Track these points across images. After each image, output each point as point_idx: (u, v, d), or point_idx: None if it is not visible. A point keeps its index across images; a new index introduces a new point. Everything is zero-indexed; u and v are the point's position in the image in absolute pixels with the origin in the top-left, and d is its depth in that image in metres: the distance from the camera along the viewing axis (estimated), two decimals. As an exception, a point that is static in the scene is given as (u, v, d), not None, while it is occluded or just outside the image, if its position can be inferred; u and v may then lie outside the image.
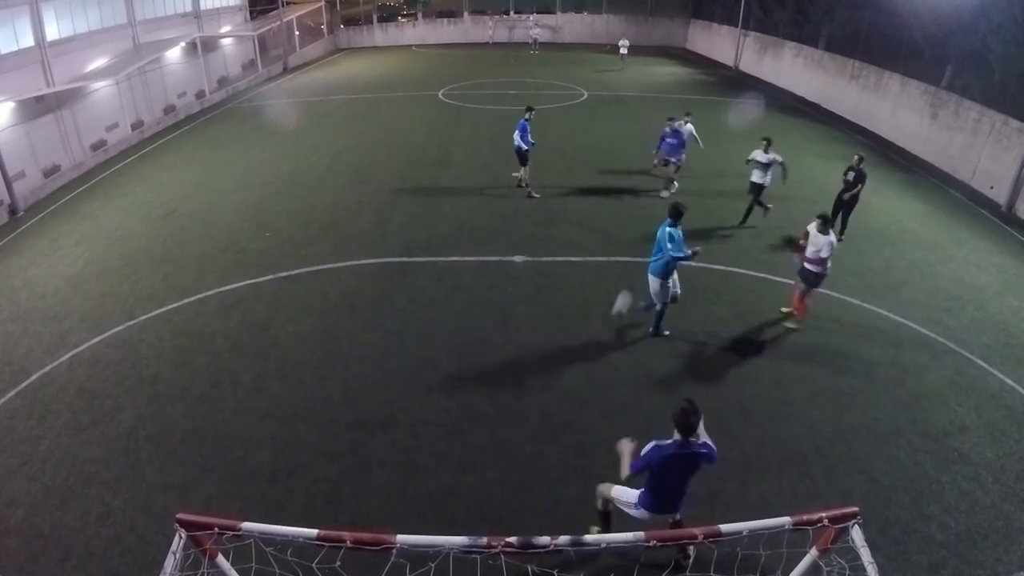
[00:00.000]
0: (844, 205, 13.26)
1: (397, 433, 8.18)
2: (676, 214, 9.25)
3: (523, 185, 16.13)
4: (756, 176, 13.67)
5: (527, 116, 15.65)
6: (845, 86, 24.73)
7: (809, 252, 9.89)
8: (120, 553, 6.51)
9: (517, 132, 15.50)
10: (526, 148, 15.54)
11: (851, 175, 13.03)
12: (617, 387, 9.00)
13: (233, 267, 12.46)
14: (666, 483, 5.60)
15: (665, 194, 15.76)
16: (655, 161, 17.18)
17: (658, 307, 9.86)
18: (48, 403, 8.82)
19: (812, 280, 10.03)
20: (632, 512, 5.85)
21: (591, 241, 13.32)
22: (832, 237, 9.73)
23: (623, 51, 35.58)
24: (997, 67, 17.83)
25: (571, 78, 31.10)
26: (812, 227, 9.90)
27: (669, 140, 15.70)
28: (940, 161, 18.81)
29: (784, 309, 10.70)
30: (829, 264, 9.84)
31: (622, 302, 9.70)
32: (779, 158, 13.36)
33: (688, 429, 5.26)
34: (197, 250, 13.25)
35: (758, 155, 13.47)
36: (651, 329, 10.11)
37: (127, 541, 6.65)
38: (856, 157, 13.21)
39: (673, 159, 15.83)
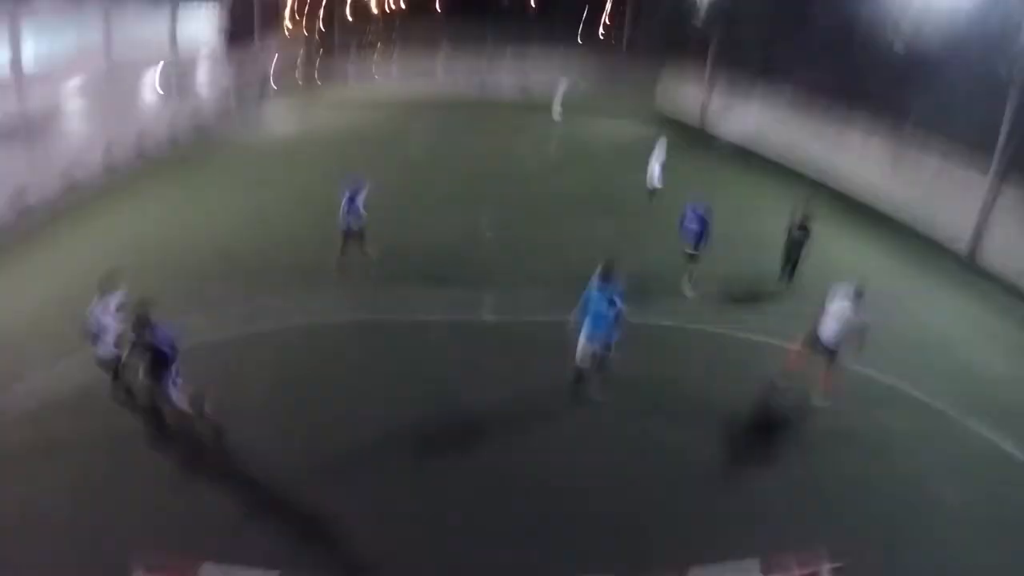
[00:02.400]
0: (793, 255, 13.43)
1: (361, 486, 7.99)
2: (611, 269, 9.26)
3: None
4: None
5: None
6: (808, 141, 25.19)
7: (832, 323, 9.28)
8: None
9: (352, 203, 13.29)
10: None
11: (798, 234, 13.20)
12: (585, 442, 8.91)
13: (198, 308, 11.87)
14: None
15: (690, 293, 13.38)
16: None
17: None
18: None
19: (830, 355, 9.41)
20: None
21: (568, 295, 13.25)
22: (864, 312, 9.10)
23: (558, 111, 32.18)
24: (956, 120, 18.49)
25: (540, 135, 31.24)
26: (839, 298, 9.32)
27: (688, 225, 13.12)
28: (901, 212, 19.29)
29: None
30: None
31: None
32: None
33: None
34: (162, 289, 12.65)
35: None
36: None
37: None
38: (801, 208, 13.39)
39: (691, 248, 13.23)
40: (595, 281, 9.20)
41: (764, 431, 9.26)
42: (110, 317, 8.65)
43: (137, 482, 7.86)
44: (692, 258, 13.27)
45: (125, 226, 16.58)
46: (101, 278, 8.91)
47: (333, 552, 7.01)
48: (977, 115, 16.91)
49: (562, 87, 32.75)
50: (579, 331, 9.28)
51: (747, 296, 13.53)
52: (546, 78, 40.37)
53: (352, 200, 13.26)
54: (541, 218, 18.29)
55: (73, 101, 20.69)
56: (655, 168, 18.60)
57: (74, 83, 20.98)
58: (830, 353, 9.36)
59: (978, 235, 16.09)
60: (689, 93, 36.57)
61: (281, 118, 32.72)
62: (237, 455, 8.35)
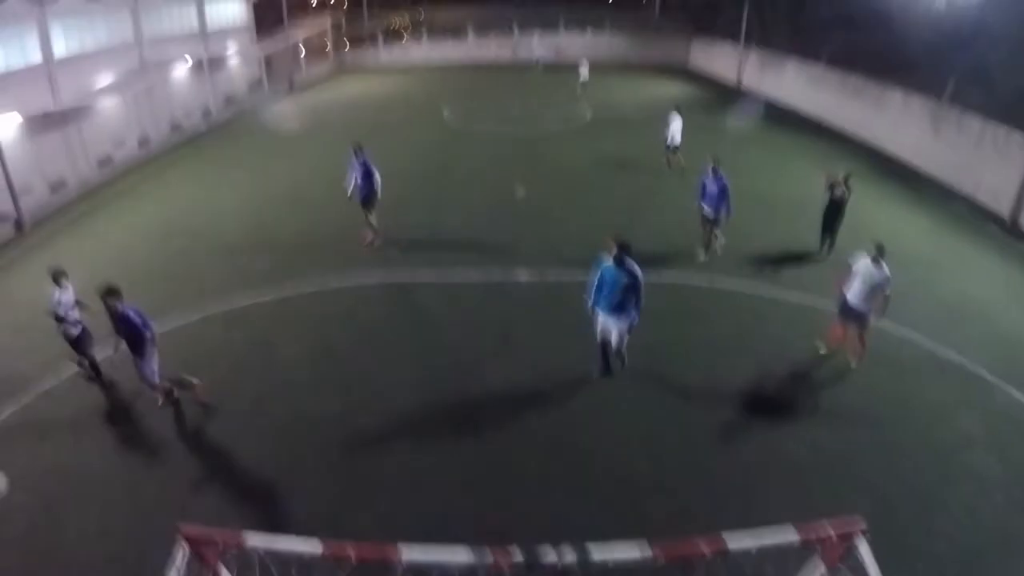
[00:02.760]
0: (832, 221, 13.08)
1: (398, 451, 8.15)
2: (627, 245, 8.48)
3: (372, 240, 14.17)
4: None
5: (362, 158, 13.47)
6: (847, 102, 24.81)
7: (859, 287, 9.13)
8: (120, 570, 6.47)
9: (360, 173, 13.42)
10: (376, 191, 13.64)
11: (840, 192, 12.79)
12: (618, 405, 8.95)
13: (236, 285, 12.45)
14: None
15: (704, 258, 13.37)
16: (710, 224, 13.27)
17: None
18: (48, 419, 8.80)
19: (861, 319, 9.34)
20: None
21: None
22: (887, 270, 8.97)
23: (583, 75, 31.81)
24: (998, 80, 17.87)
25: (572, 97, 31.16)
26: (863, 260, 9.19)
27: (709, 188, 12.76)
28: (943, 175, 18.80)
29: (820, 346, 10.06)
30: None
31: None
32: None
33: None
34: (200, 268, 13.31)
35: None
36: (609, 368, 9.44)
37: (127, 557, 6.61)
38: (842, 174, 12.97)
39: (710, 214, 12.92)
40: (607, 260, 8.58)
41: (798, 395, 9.17)
42: (73, 306, 9.33)
43: (175, 450, 8.18)
44: (711, 223, 13.09)
45: (160, 208, 17.05)
46: (53, 273, 9.14)
47: (369, 515, 7.16)
48: (1022, 76, 16.31)
49: (585, 66, 32.51)
50: (595, 311, 8.90)
51: (784, 258, 13.48)
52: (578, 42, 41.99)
53: (368, 171, 13.40)
54: (572, 180, 18.75)
55: (107, 92, 21.16)
56: (674, 132, 18.66)
57: (107, 75, 21.49)
58: (859, 316, 9.28)
59: (1021, 199, 15.59)
60: (725, 52, 36.28)
61: (312, 100, 33.01)
62: (275, 420, 8.61)
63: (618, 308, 8.60)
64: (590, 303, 8.90)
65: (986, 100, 17.83)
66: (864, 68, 23.99)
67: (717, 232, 13.33)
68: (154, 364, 8.63)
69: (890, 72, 22.27)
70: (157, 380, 8.73)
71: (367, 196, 13.61)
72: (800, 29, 29.38)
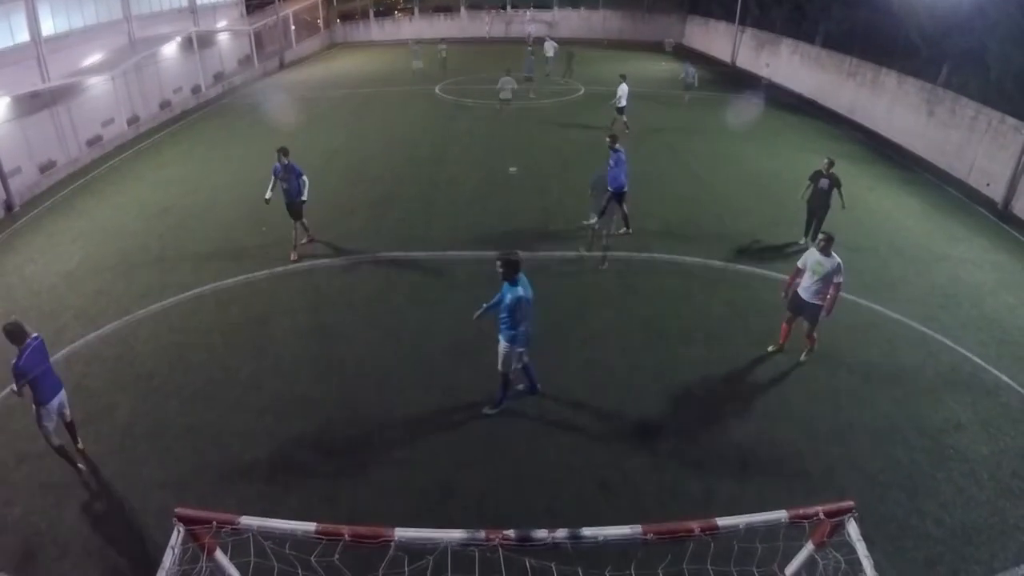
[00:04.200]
0: (818, 211, 12.66)
1: (394, 430, 8.18)
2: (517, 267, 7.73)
3: (305, 241, 13.04)
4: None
5: (285, 161, 12.03)
6: (842, 83, 24.77)
7: (810, 281, 8.87)
8: (118, 550, 6.51)
9: (284, 181, 12.04)
10: (304, 199, 12.32)
11: (824, 183, 12.40)
12: (612, 386, 9.01)
13: (229, 263, 12.43)
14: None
15: (588, 221, 13.34)
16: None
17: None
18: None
19: (813, 313, 9.07)
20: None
21: (588, 238, 13.28)
22: (838, 259, 8.69)
23: (550, 52, 30.74)
24: (994, 65, 17.87)
25: (564, 72, 30.91)
26: (810, 252, 8.96)
27: (611, 165, 12.87)
28: (936, 158, 18.86)
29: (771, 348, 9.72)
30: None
31: None
32: None
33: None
34: (193, 246, 13.23)
35: None
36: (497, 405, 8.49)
37: (125, 537, 6.65)
38: (826, 161, 12.53)
39: (611, 188, 12.95)
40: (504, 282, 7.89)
41: (790, 376, 9.23)
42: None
43: (172, 429, 8.17)
44: (618, 197, 13.11)
45: (151, 186, 16.93)
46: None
47: (366, 493, 7.20)
48: (1017, 62, 16.31)
49: (551, 47, 31.88)
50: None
51: (774, 238, 13.56)
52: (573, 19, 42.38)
53: (298, 173, 12.17)
54: (561, 152, 19.16)
55: (96, 71, 20.90)
56: (620, 96, 20.59)
57: (95, 53, 21.19)
58: (810, 309, 9.06)
59: (1014, 184, 15.66)
60: (719, 31, 36.19)
61: (302, 75, 32.67)
62: (271, 397, 8.58)
63: (513, 326, 7.87)
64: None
65: (981, 84, 17.84)
66: (859, 50, 23.94)
67: (626, 209, 13.39)
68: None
69: (885, 54, 22.23)
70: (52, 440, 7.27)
71: (300, 200, 12.31)
72: (796, 9, 29.22)
